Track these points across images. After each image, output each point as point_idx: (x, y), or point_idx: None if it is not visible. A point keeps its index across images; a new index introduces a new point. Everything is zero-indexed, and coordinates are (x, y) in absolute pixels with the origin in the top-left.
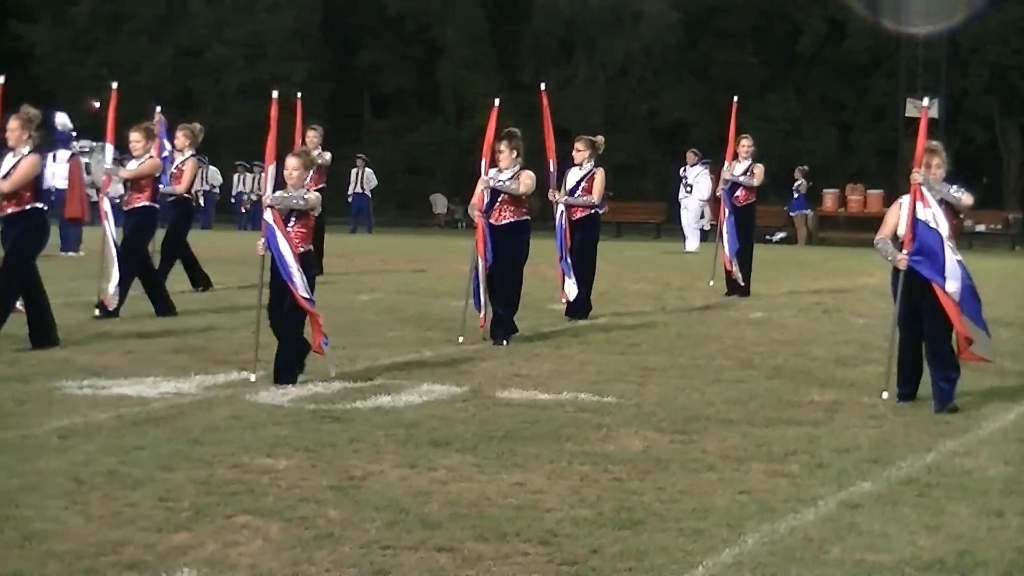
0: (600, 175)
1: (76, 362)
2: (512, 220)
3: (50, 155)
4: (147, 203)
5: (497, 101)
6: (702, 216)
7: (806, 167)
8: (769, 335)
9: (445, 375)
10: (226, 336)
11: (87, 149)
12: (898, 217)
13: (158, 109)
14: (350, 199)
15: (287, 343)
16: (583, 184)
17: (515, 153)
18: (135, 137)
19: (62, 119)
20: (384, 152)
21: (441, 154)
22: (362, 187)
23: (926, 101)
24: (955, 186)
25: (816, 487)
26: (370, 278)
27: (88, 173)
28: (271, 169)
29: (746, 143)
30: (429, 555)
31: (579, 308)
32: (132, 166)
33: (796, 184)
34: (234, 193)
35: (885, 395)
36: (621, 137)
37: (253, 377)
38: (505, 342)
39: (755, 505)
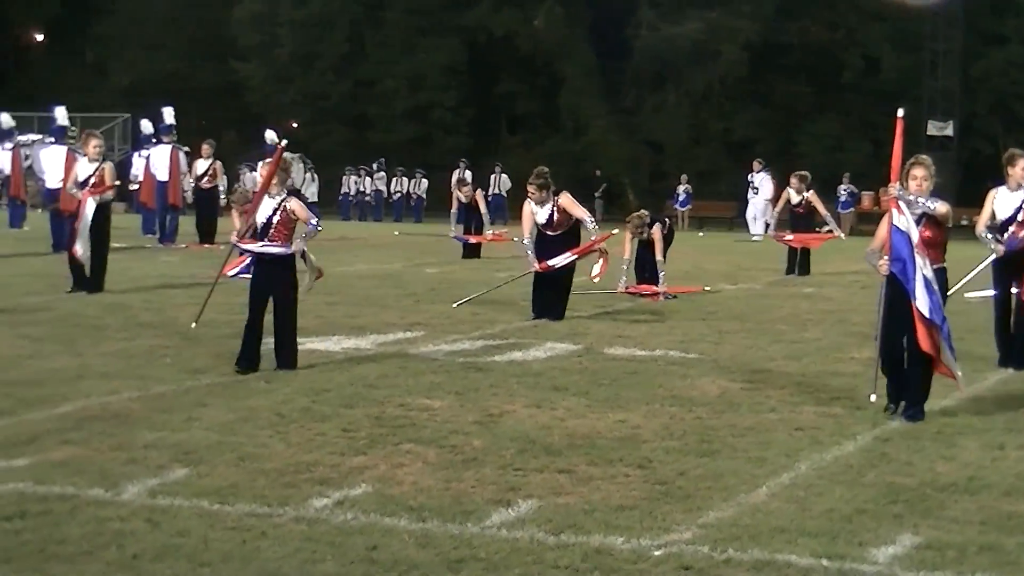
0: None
1: None
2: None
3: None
4: None
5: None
6: (765, 212)
7: (848, 175)
8: (818, 305)
9: (564, 335)
10: (392, 305)
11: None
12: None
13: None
14: (490, 199)
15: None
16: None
17: (544, 191)
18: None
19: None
20: (516, 161)
21: (561, 163)
22: (499, 189)
23: (901, 112)
24: (932, 198)
25: (855, 425)
26: (508, 262)
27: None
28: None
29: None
30: (552, 476)
31: None
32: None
33: (842, 188)
34: (394, 192)
35: (873, 398)
36: (701, 150)
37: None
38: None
39: (807, 439)
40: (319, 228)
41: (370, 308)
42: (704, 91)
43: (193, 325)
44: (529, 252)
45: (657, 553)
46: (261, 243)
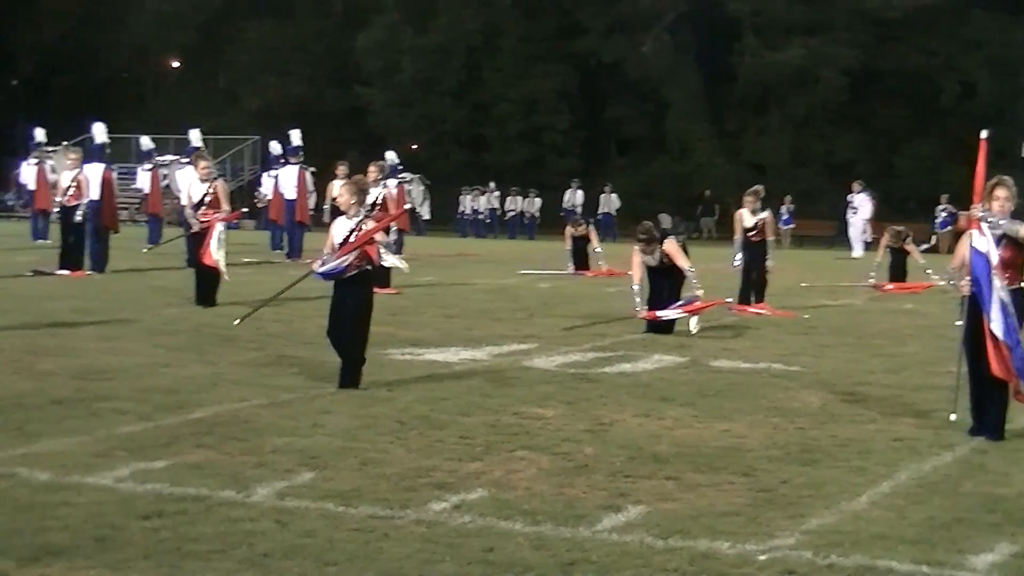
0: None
1: (399, 336)
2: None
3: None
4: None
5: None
6: (864, 231)
7: (947, 195)
8: (916, 321)
9: (671, 348)
10: (507, 318)
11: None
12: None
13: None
14: (599, 217)
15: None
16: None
17: (651, 244)
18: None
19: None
20: (625, 182)
21: (667, 183)
22: (609, 208)
23: (984, 133)
24: (1014, 220)
25: (953, 436)
26: (617, 278)
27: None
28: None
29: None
30: (659, 482)
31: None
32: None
33: (941, 208)
34: (507, 210)
35: (953, 417)
36: (803, 171)
37: (527, 347)
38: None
39: (906, 449)
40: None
41: (485, 321)
42: (805, 115)
43: (236, 322)
44: (637, 299)
45: (762, 558)
46: (339, 259)
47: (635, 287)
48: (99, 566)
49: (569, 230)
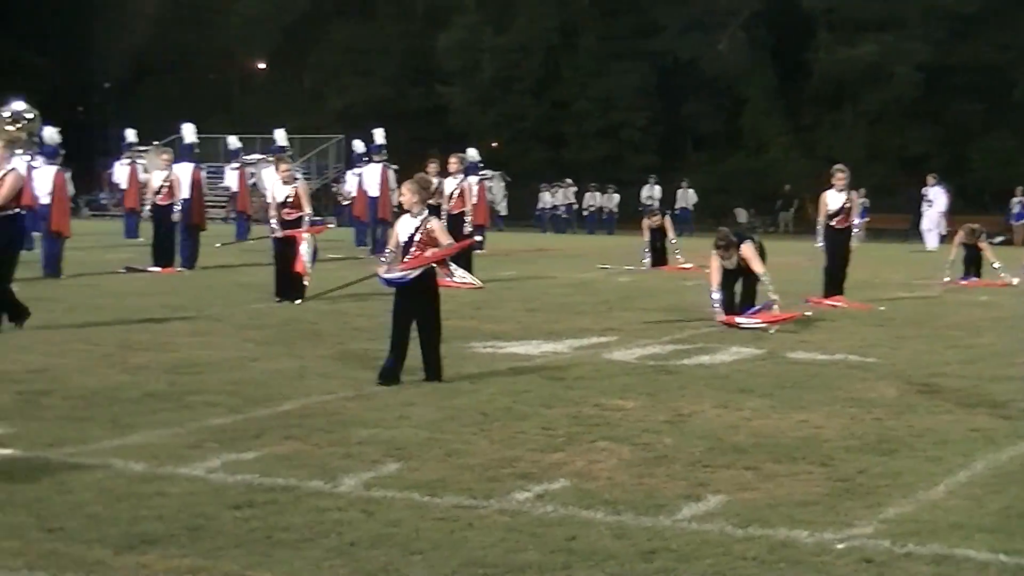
0: (746, 249)
1: (482, 329)
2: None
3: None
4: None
5: None
6: (938, 224)
7: (1022, 188)
8: (991, 313)
9: (748, 340)
10: (587, 311)
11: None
12: None
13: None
14: (677, 212)
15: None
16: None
17: (729, 250)
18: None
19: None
20: (701, 177)
21: (743, 178)
22: (685, 203)
23: None
24: None
25: None
26: (693, 272)
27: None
28: None
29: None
30: (738, 472)
31: None
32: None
33: (1016, 200)
34: (586, 206)
35: None
36: (878, 165)
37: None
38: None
39: (982, 439)
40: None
41: (566, 314)
42: (879, 110)
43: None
44: (716, 306)
45: (840, 546)
46: (404, 271)
47: (714, 294)
48: (192, 554)
49: (646, 222)
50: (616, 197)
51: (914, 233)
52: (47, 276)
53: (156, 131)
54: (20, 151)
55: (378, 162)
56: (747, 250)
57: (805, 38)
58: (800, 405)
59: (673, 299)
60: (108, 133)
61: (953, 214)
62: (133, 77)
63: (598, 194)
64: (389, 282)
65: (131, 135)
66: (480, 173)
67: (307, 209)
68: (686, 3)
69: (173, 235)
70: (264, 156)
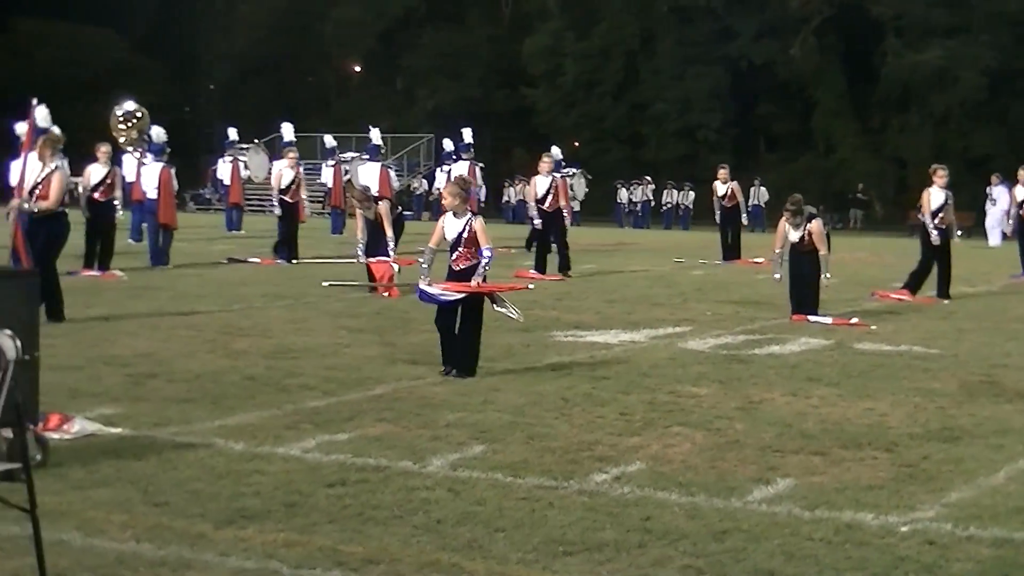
0: (815, 224)
1: (563, 319)
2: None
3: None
4: None
5: None
6: (1001, 222)
7: None
8: None
9: (817, 332)
10: (663, 303)
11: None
12: None
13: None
14: (749, 209)
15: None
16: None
17: (798, 216)
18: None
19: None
20: (773, 176)
21: (813, 177)
22: (758, 200)
23: None
24: None
25: None
26: (765, 266)
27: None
28: None
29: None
30: (806, 457)
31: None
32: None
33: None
34: (663, 202)
35: None
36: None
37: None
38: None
39: None
40: (492, 257)
41: (643, 305)
42: (945, 112)
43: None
44: (778, 269)
45: (904, 529)
46: (445, 292)
47: (777, 250)
48: (288, 529)
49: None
50: (692, 194)
51: (977, 230)
52: (155, 266)
53: (257, 130)
54: (131, 148)
55: (466, 160)
56: (816, 227)
57: (874, 43)
58: (866, 394)
59: (745, 292)
60: (212, 132)
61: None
62: (236, 79)
63: (675, 191)
64: (428, 297)
65: (233, 134)
66: (563, 171)
67: (389, 233)
68: (760, 10)
69: (296, 229)
70: (358, 154)
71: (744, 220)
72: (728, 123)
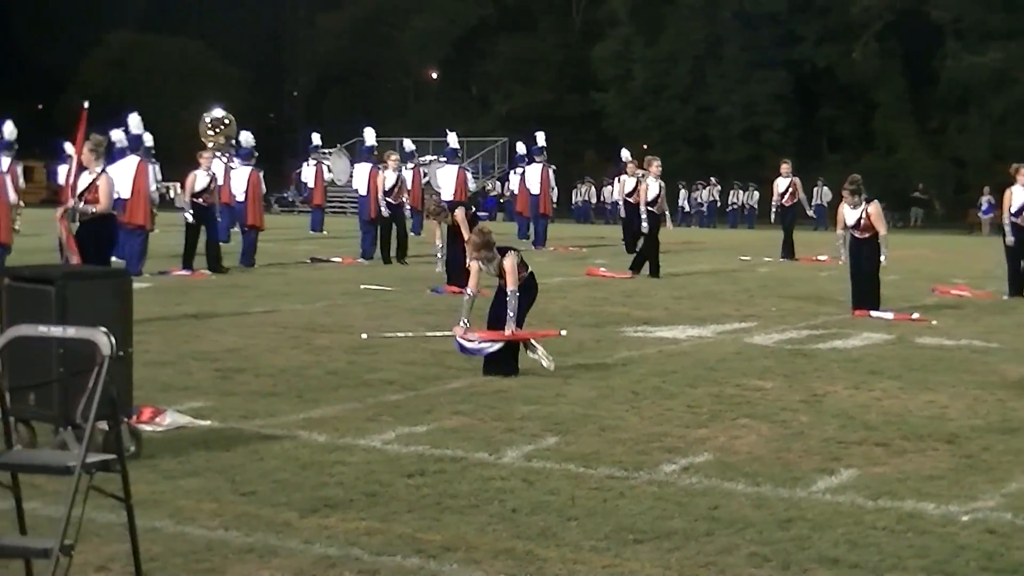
0: (873, 207)
1: (633, 315)
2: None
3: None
4: None
5: None
6: None
7: None
8: None
9: (878, 327)
10: (729, 299)
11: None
12: None
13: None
14: (813, 208)
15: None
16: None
17: (856, 196)
18: None
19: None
20: (835, 177)
21: (874, 177)
22: (821, 199)
23: None
24: None
25: None
26: (828, 263)
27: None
28: None
29: None
30: (869, 448)
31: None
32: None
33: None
34: (729, 202)
35: None
36: (1002, 165)
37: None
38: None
39: None
40: (518, 297)
41: (710, 302)
42: (1003, 113)
43: (364, 336)
44: (841, 247)
45: (964, 518)
46: (482, 339)
47: (839, 231)
48: (369, 518)
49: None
50: (756, 194)
51: None
52: (243, 266)
53: (339, 135)
54: (219, 153)
55: (539, 162)
56: (874, 209)
57: (934, 47)
58: (927, 387)
59: (809, 288)
60: (296, 137)
61: None
62: (319, 86)
63: (741, 191)
64: (466, 350)
65: (316, 138)
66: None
67: (466, 236)
68: (822, 15)
69: (394, 229)
70: (436, 157)
71: (810, 213)
72: (791, 125)
